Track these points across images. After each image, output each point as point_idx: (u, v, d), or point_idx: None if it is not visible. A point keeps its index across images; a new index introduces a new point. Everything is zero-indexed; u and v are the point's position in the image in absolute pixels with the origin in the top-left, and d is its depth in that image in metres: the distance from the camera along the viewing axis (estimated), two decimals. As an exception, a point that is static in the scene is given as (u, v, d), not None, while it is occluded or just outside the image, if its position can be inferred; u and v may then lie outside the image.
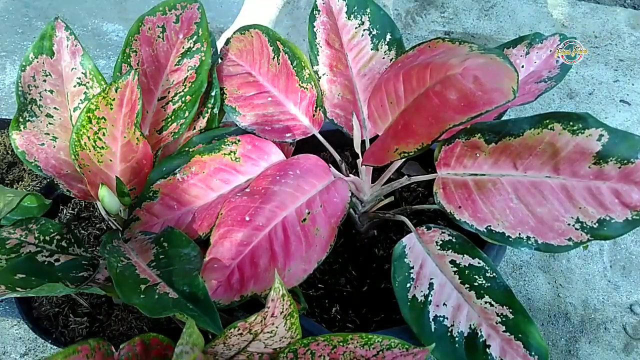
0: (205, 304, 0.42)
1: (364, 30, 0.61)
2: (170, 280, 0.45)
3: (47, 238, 0.56)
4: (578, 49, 0.58)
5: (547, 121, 0.44)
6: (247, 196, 0.48)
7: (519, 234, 0.45)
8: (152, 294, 0.43)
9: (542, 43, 0.59)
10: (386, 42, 0.61)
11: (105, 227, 0.70)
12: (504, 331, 0.45)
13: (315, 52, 0.61)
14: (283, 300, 0.40)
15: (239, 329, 0.39)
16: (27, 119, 0.57)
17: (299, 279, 0.44)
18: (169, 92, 0.58)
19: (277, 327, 0.41)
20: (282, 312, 0.40)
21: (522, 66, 0.59)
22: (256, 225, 0.46)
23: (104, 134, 0.52)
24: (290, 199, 0.47)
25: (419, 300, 0.47)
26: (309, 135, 0.59)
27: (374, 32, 0.61)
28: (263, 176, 0.50)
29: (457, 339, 0.45)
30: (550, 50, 0.59)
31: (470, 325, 0.45)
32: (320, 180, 0.50)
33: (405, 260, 0.50)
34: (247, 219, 0.45)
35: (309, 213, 0.46)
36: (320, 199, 0.48)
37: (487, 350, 0.44)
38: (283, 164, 0.51)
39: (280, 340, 0.42)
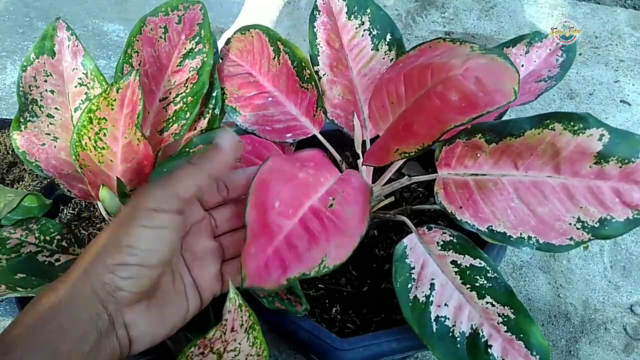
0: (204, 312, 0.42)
1: (364, 30, 0.61)
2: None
3: (48, 238, 0.56)
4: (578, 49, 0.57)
5: (548, 121, 0.44)
6: (274, 175, 0.44)
7: (521, 233, 0.45)
8: None
9: (541, 42, 0.59)
10: (386, 43, 0.61)
11: (105, 228, 0.70)
12: (505, 331, 0.45)
13: (316, 52, 0.61)
14: (241, 310, 0.38)
15: (199, 347, 0.37)
16: (27, 119, 0.58)
17: (347, 253, 0.42)
18: (170, 93, 0.58)
19: (240, 344, 0.39)
20: (242, 324, 0.38)
21: (522, 65, 0.59)
22: (284, 212, 0.43)
23: (104, 135, 0.53)
24: (313, 190, 0.45)
25: (421, 301, 0.47)
26: (310, 135, 0.59)
27: (374, 33, 0.61)
28: (285, 160, 0.48)
29: (458, 339, 0.45)
30: (550, 49, 0.59)
31: (471, 325, 0.45)
32: (331, 174, 0.49)
33: (406, 260, 0.50)
34: (277, 204, 0.44)
35: (333, 199, 0.45)
36: (339, 187, 0.47)
37: (489, 350, 0.44)
38: (295, 157, 0.50)
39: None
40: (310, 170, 0.47)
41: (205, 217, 0.45)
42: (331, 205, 0.45)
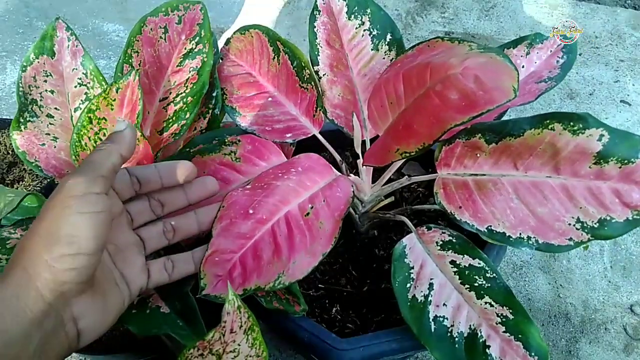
0: (196, 322, 0.42)
1: (364, 30, 0.61)
2: (166, 291, 0.44)
3: (48, 238, 0.56)
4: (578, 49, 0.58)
5: (548, 121, 0.44)
6: (250, 190, 0.47)
7: (520, 233, 0.45)
8: (144, 308, 0.43)
9: (542, 43, 0.59)
10: (386, 43, 0.61)
11: (105, 227, 0.70)
12: (504, 332, 0.45)
13: (316, 53, 0.61)
14: (239, 312, 0.38)
15: (198, 349, 0.37)
16: (27, 119, 0.58)
17: (304, 271, 0.43)
18: (170, 93, 0.58)
19: (239, 345, 0.39)
20: (241, 326, 0.39)
21: (523, 66, 0.59)
22: (259, 218, 0.46)
23: (104, 135, 0.53)
24: (293, 195, 0.47)
25: (419, 301, 0.47)
26: (310, 135, 0.59)
27: (375, 33, 0.61)
28: (265, 174, 0.50)
29: (457, 339, 0.45)
30: (551, 51, 0.59)
31: (470, 325, 0.45)
32: (322, 177, 0.50)
33: (406, 260, 0.50)
34: (251, 211, 0.45)
35: (312, 207, 0.46)
36: (323, 195, 0.48)
37: (487, 350, 0.44)
38: (285, 164, 0.51)
39: None
40: (292, 176, 0.48)
41: (124, 210, 0.45)
42: (307, 214, 0.45)
